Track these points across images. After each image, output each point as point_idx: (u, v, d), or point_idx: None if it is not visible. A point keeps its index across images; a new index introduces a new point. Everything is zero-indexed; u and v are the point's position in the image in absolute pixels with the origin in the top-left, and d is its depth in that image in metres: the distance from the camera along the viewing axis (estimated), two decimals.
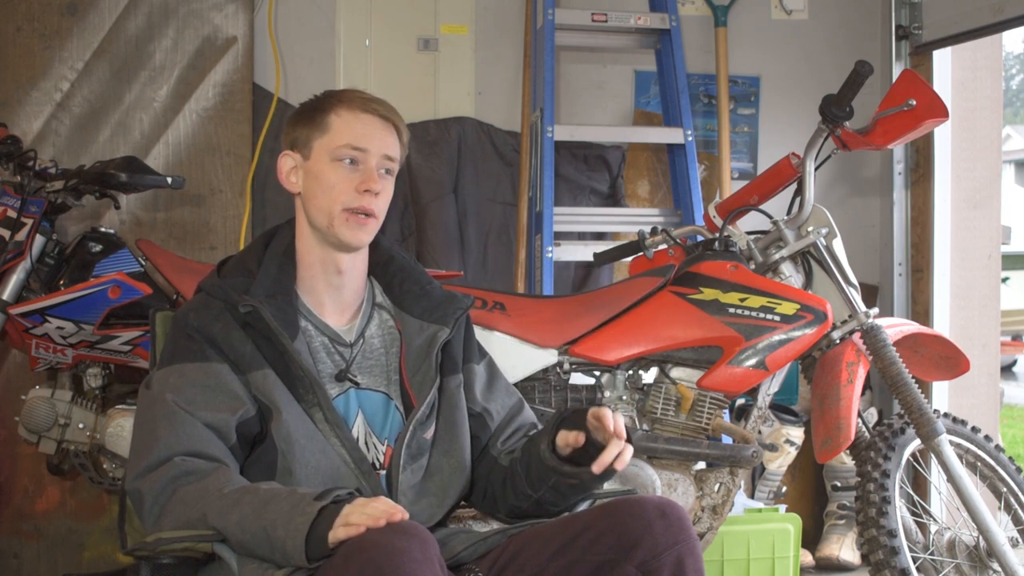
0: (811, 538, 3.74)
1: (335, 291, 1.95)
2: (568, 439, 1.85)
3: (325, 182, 1.89)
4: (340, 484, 1.84)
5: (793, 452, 3.62)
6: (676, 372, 2.67)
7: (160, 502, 1.74)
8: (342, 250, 1.92)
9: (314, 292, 1.95)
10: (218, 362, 1.84)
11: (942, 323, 3.87)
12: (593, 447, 1.84)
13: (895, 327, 2.79)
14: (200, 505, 1.70)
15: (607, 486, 2.53)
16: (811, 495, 3.91)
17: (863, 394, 2.88)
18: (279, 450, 1.82)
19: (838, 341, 2.73)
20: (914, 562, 2.57)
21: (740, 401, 2.91)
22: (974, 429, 2.84)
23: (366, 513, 1.58)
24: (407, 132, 1.97)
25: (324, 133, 1.91)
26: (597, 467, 1.79)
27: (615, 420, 1.80)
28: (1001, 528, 2.67)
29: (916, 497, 2.91)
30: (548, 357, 2.66)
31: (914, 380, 2.68)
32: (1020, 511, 2.82)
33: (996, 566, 2.63)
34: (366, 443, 1.91)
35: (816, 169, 2.80)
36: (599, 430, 1.82)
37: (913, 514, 2.85)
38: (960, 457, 2.75)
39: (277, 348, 1.85)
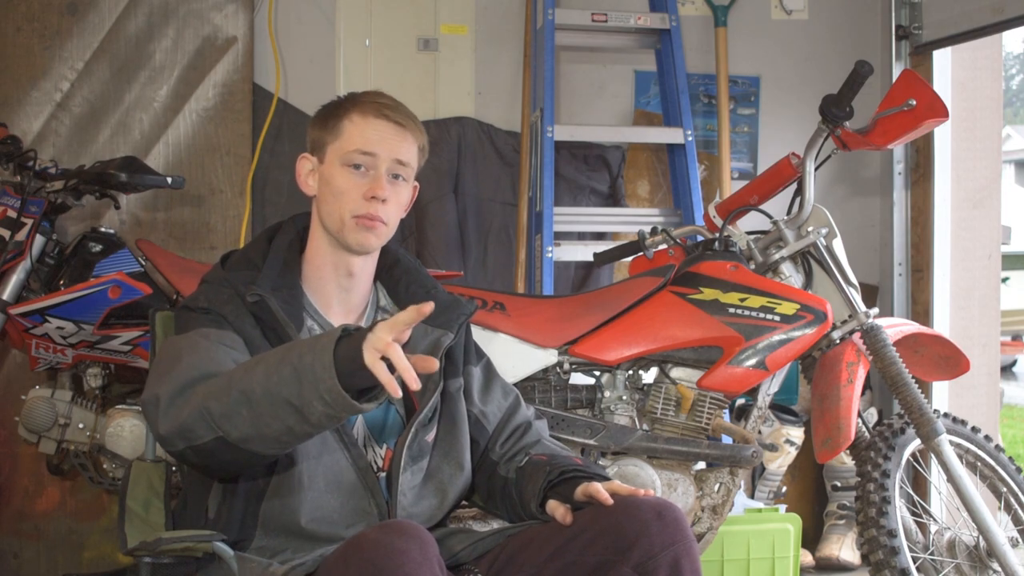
0: (811, 538, 3.74)
1: (344, 293, 1.96)
2: (556, 513, 1.81)
3: (335, 187, 1.90)
4: (340, 476, 1.85)
5: (793, 452, 3.62)
6: (676, 372, 2.67)
7: (177, 403, 1.69)
8: (353, 253, 1.93)
9: (323, 293, 1.95)
10: (234, 332, 1.84)
11: (942, 323, 3.87)
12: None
13: (895, 327, 2.79)
14: (221, 379, 1.67)
15: None
16: (811, 495, 3.92)
17: (863, 394, 2.88)
18: None
19: (838, 341, 2.73)
20: (914, 562, 2.57)
21: (740, 401, 2.91)
22: (974, 429, 2.84)
23: (387, 331, 1.55)
24: (425, 137, 1.97)
25: (337, 138, 1.91)
26: (568, 516, 1.79)
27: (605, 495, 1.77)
28: (1001, 528, 2.67)
29: (916, 497, 2.91)
30: (548, 357, 2.66)
31: (914, 380, 2.68)
32: (1020, 511, 2.82)
33: (996, 566, 2.63)
34: (364, 445, 1.91)
35: (816, 169, 2.80)
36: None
37: (913, 514, 2.85)
38: (960, 457, 2.75)
39: (282, 339, 1.85)
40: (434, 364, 1.59)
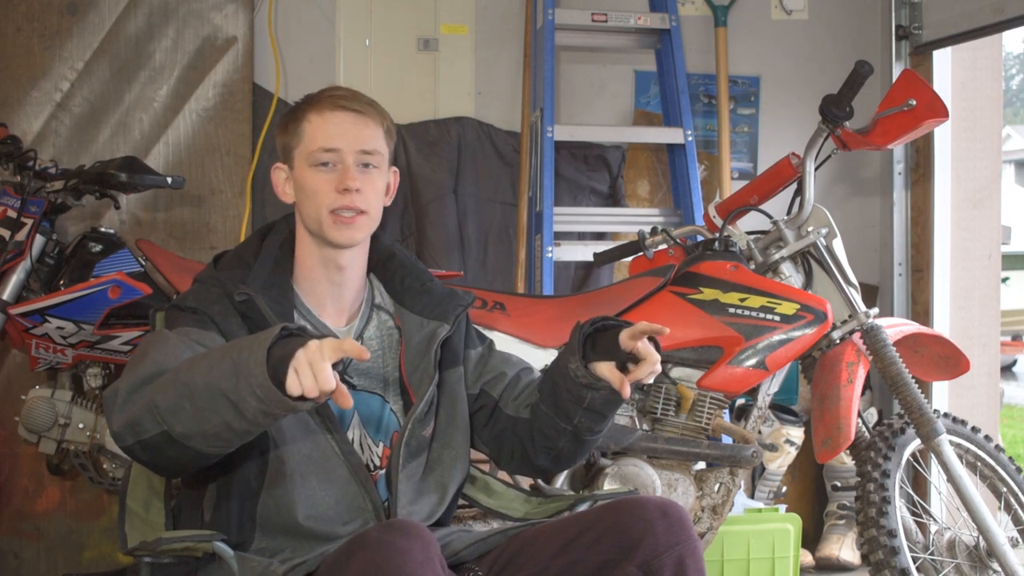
0: (811, 538, 3.74)
1: (337, 290, 1.95)
2: (613, 379, 1.80)
3: (308, 189, 1.90)
4: (333, 473, 1.84)
5: (793, 452, 3.62)
6: (676, 372, 2.67)
7: (133, 399, 1.67)
8: (340, 248, 1.92)
9: (315, 293, 1.94)
10: (218, 333, 1.83)
11: (942, 323, 3.87)
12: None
13: (895, 327, 2.79)
14: (170, 373, 1.65)
15: (608, 487, 2.56)
16: (811, 495, 3.92)
17: (863, 394, 2.88)
18: (271, 438, 1.81)
19: (838, 341, 2.73)
20: (914, 562, 2.57)
21: (740, 401, 2.91)
22: (974, 429, 2.84)
23: (326, 351, 1.52)
24: (388, 118, 1.95)
25: (300, 141, 1.91)
26: (624, 385, 1.78)
27: (650, 345, 1.77)
28: (1001, 528, 2.68)
29: (916, 497, 2.91)
30: (548, 357, 2.65)
31: (914, 380, 2.68)
32: (1020, 511, 2.82)
33: (996, 566, 2.63)
34: (361, 444, 1.91)
35: (816, 169, 2.81)
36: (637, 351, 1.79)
37: (913, 514, 2.85)
38: (960, 457, 2.75)
39: None
40: (349, 402, 1.56)
